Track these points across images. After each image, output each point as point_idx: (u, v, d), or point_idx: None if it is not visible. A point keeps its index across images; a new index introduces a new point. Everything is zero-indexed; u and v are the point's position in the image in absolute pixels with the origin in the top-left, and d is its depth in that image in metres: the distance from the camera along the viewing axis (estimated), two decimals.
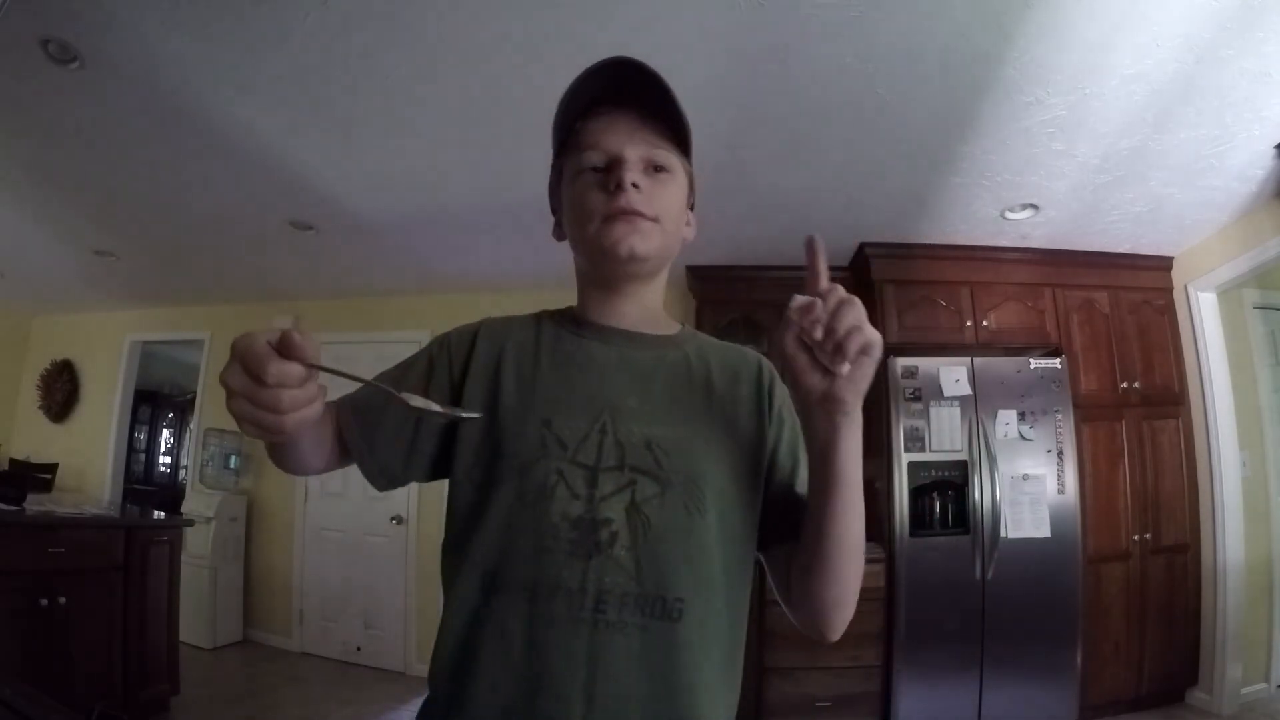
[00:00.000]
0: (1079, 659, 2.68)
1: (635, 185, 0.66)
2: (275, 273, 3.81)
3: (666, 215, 0.69)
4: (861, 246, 3.04)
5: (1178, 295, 3.15)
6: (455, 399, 0.69)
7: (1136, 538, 2.93)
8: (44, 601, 2.33)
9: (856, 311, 0.51)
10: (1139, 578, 2.91)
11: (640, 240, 0.67)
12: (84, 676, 2.45)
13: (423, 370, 0.72)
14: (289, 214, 2.94)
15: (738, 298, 3.40)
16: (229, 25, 1.69)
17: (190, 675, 3.05)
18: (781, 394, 0.72)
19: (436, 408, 0.56)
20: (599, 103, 0.69)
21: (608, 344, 0.71)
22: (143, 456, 6.70)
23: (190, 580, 3.41)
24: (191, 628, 3.51)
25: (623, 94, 0.68)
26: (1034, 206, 2.66)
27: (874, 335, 0.51)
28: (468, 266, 3.57)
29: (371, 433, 0.70)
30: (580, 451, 0.63)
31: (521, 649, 0.59)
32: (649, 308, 0.75)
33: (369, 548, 3.89)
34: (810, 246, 0.55)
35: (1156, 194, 2.55)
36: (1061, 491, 2.75)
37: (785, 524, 0.67)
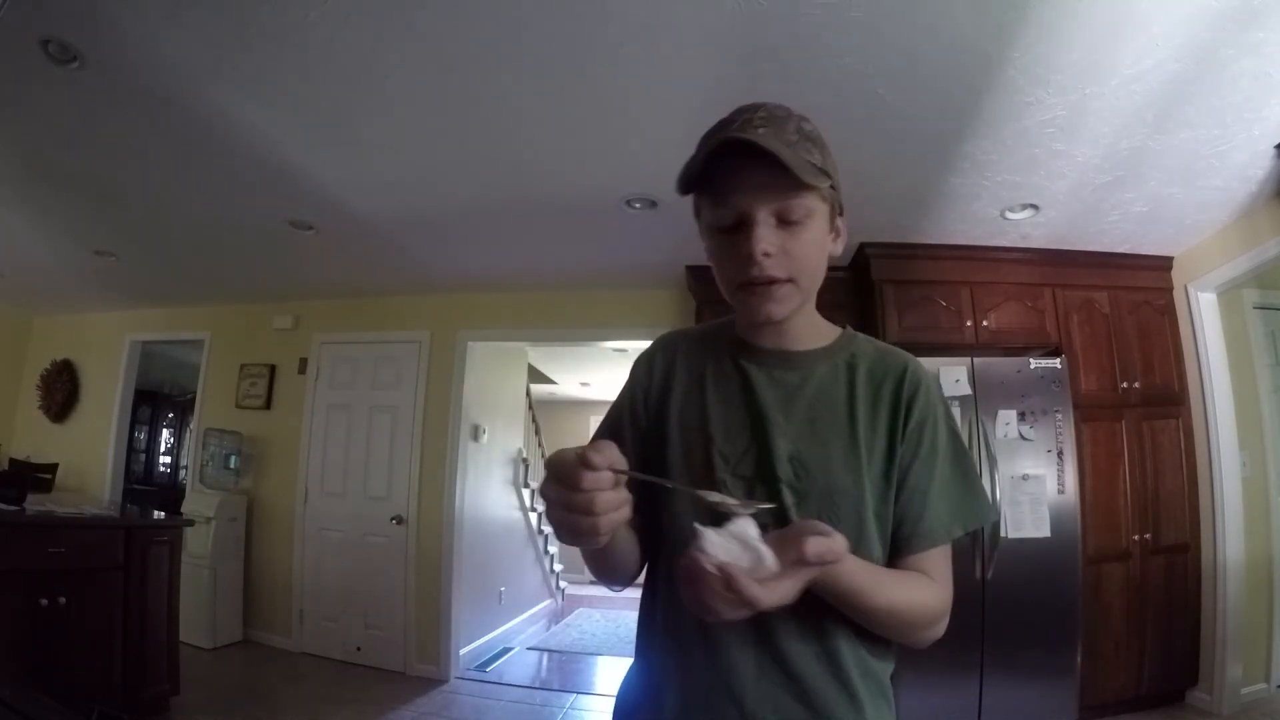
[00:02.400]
0: (1079, 659, 2.68)
1: (767, 253, 0.67)
2: (275, 273, 3.82)
3: (803, 269, 0.70)
4: (861, 246, 3.04)
5: (1178, 295, 3.15)
6: (651, 425, 0.77)
7: (1136, 538, 2.93)
8: (44, 601, 2.33)
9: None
10: (1139, 578, 2.91)
11: (777, 306, 0.70)
12: (84, 676, 2.45)
13: (628, 416, 0.80)
14: (289, 214, 2.94)
15: None
16: (229, 25, 1.69)
17: (190, 675, 3.05)
18: (921, 410, 0.73)
19: (733, 501, 0.60)
20: (728, 153, 0.66)
21: (760, 365, 0.76)
22: (143, 456, 6.69)
23: (190, 580, 3.41)
24: (191, 628, 3.50)
25: (750, 149, 0.65)
26: (1034, 206, 2.67)
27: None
28: (468, 266, 3.57)
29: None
30: (740, 464, 0.71)
31: (701, 635, 0.68)
32: (801, 327, 0.77)
33: (369, 548, 3.89)
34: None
35: (1156, 194, 2.55)
36: (1061, 491, 2.75)
37: (895, 543, 0.72)
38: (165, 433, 7.06)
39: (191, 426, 4.72)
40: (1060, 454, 2.77)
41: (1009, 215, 2.74)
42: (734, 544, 0.55)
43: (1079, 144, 2.19)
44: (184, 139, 2.27)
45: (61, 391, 4.78)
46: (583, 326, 3.92)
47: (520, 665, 4.16)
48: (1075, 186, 2.49)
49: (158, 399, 6.77)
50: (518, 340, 4.36)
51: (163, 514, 3.43)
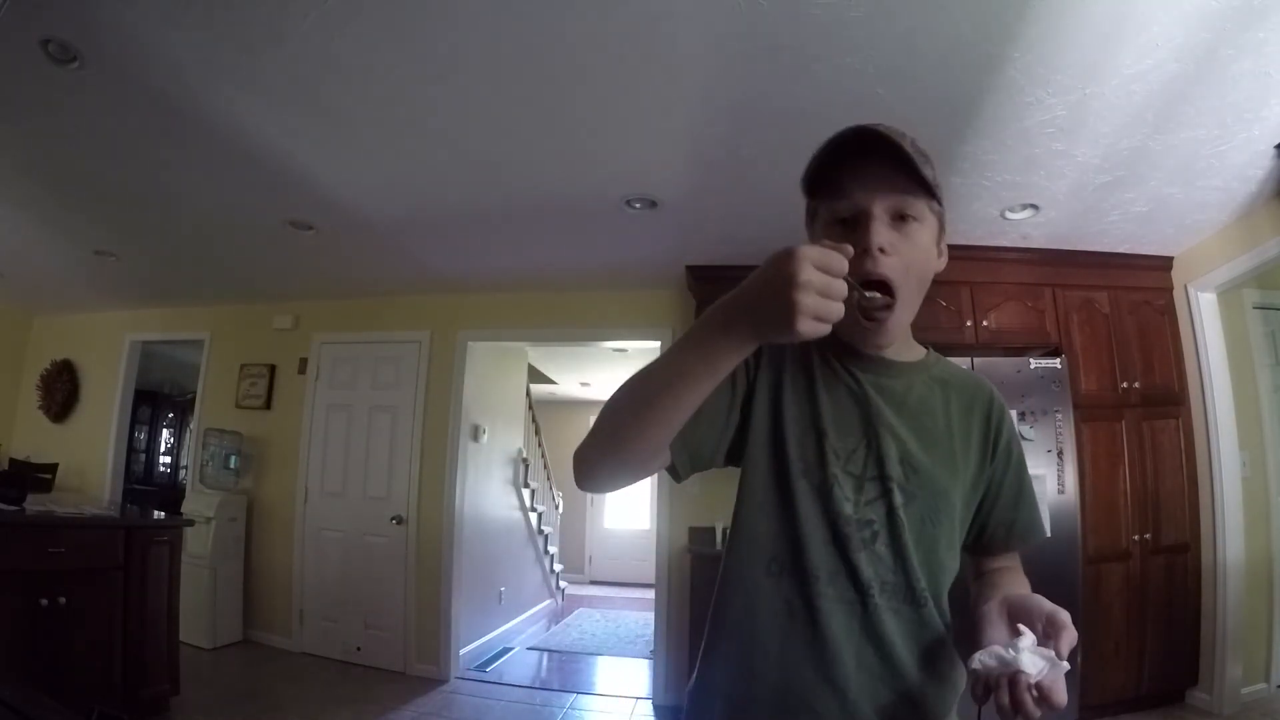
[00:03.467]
0: (1079, 659, 2.68)
1: (882, 249, 0.70)
2: (275, 273, 3.82)
3: (911, 271, 0.72)
4: None
5: (1178, 295, 3.15)
6: (747, 402, 0.78)
7: (1136, 538, 2.93)
8: (44, 601, 2.33)
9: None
10: (1139, 578, 2.91)
11: (882, 336, 0.75)
12: (84, 676, 2.45)
13: (728, 386, 0.78)
14: (289, 214, 2.94)
15: None
16: (229, 25, 1.69)
17: (190, 675, 3.05)
18: (1008, 432, 0.81)
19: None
20: (847, 152, 0.70)
21: (866, 371, 0.79)
22: (143, 456, 6.68)
23: (190, 580, 3.40)
24: (191, 628, 3.50)
25: (872, 146, 0.70)
26: (1034, 206, 2.66)
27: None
28: (468, 266, 3.57)
29: (690, 425, 0.71)
30: (850, 462, 0.74)
31: (804, 623, 0.71)
32: (901, 339, 0.81)
33: (369, 548, 3.89)
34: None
35: (1156, 194, 2.55)
36: (1061, 491, 2.75)
37: (993, 543, 0.81)
38: (165, 433, 7.05)
39: (191, 426, 4.72)
40: (1060, 454, 2.77)
41: (1009, 215, 2.74)
42: (1027, 655, 0.56)
43: (1079, 144, 2.19)
44: (184, 139, 2.27)
45: (61, 391, 4.78)
46: (583, 326, 3.92)
47: (520, 665, 4.16)
48: (1075, 186, 2.49)
49: (158, 399, 6.76)
50: (518, 340, 4.36)
51: (163, 514, 3.43)
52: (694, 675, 0.80)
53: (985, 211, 2.72)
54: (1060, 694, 0.55)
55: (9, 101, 2.04)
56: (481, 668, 3.94)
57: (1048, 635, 0.59)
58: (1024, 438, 2.76)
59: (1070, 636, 0.58)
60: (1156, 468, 3.01)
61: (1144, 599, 2.90)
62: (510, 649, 4.44)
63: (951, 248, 2.86)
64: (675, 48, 1.75)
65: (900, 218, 0.71)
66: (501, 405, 4.74)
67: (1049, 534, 0.84)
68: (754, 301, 0.58)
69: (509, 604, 4.85)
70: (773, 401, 0.78)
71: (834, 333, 0.73)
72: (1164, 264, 3.16)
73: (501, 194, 2.66)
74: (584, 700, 3.51)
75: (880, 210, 0.70)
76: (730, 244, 3.06)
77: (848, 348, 0.79)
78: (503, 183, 2.56)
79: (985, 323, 3.02)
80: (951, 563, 0.77)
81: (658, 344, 3.80)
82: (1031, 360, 2.88)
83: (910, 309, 0.75)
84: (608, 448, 0.70)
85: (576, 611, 5.97)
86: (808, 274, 0.55)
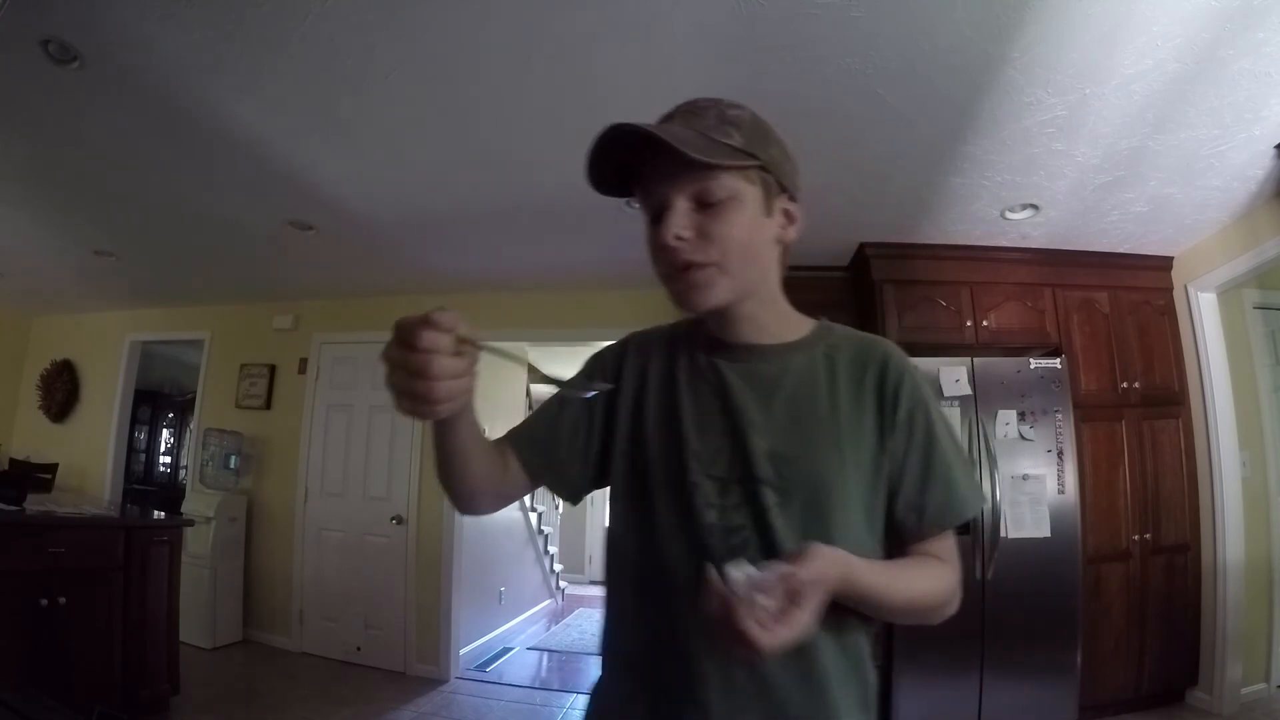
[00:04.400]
0: (1079, 659, 2.68)
1: (679, 238, 0.66)
2: (275, 273, 3.82)
3: (729, 251, 0.67)
4: (861, 246, 3.04)
5: (1178, 295, 3.15)
6: (608, 421, 0.76)
7: (1136, 538, 2.93)
8: (44, 601, 2.33)
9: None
10: (1139, 578, 2.91)
11: (703, 293, 0.68)
12: (84, 676, 2.45)
13: (584, 409, 0.78)
14: (289, 214, 2.94)
15: None
16: (229, 25, 1.69)
17: (190, 675, 3.05)
18: (909, 399, 0.71)
19: (585, 392, 0.66)
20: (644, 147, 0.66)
21: (734, 360, 0.74)
22: (143, 456, 6.69)
23: (190, 580, 3.41)
24: (191, 628, 3.50)
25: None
26: (1034, 206, 2.66)
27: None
28: (468, 266, 3.57)
29: (551, 453, 0.76)
30: (713, 465, 0.69)
31: (668, 640, 0.67)
32: (767, 319, 0.75)
33: (369, 548, 3.89)
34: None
35: (1156, 194, 2.55)
36: (1061, 491, 2.75)
37: (897, 533, 0.72)
38: (165, 433, 7.06)
39: (191, 426, 4.72)
40: (1060, 454, 2.77)
41: (1009, 215, 2.74)
42: (752, 578, 0.54)
43: (1079, 144, 2.19)
44: (184, 139, 2.27)
45: (61, 391, 4.78)
46: (583, 326, 3.92)
47: (520, 665, 4.16)
48: (1075, 186, 2.49)
49: (158, 399, 6.76)
50: (518, 340, 4.36)
51: (163, 514, 3.43)
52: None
53: (985, 211, 2.72)
54: (740, 623, 0.51)
55: (9, 101, 2.04)
56: (481, 668, 3.94)
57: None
58: (1024, 437, 2.76)
59: (775, 591, 0.53)
60: (1156, 468, 3.01)
61: (1144, 599, 2.90)
62: (510, 649, 4.44)
63: (951, 248, 2.86)
64: (675, 47, 1.75)
65: (705, 205, 0.66)
66: (501, 405, 4.74)
67: (986, 503, 0.73)
68: None
69: (509, 604, 4.85)
70: (634, 414, 0.75)
71: (703, 326, 0.76)
72: (1164, 264, 3.16)
73: (502, 194, 2.66)
74: (584, 700, 3.51)
75: (681, 200, 0.66)
76: None
77: (717, 341, 0.75)
78: (503, 182, 2.56)
79: (985, 323, 3.02)
80: (869, 555, 0.69)
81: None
82: (1031, 360, 2.88)
83: (742, 281, 0.69)
84: (448, 489, 0.73)
85: (577, 611, 5.96)
86: (389, 352, 0.53)
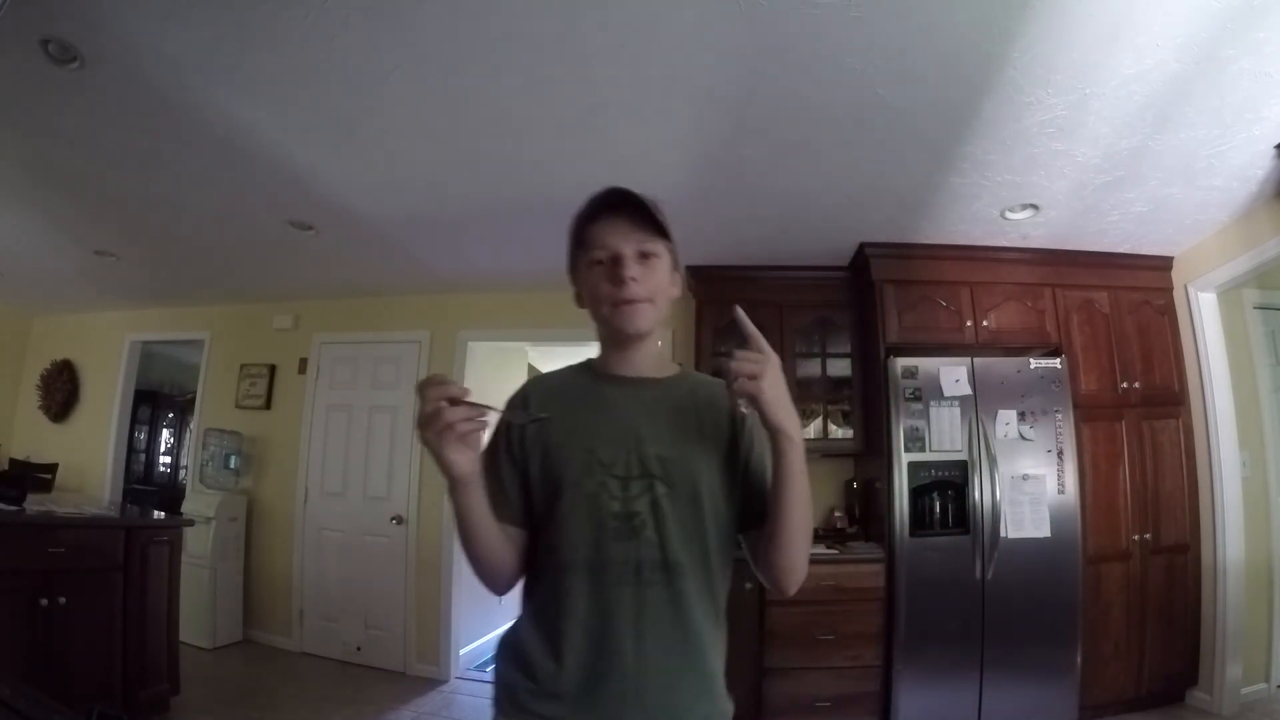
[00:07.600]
0: (1079, 659, 2.68)
1: (634, 278, 0.89)
2: (275, 273, 3.82)
3: (658, 291, 0.94)
4: (861, 246, 3.03)
5: (1178, 295, 3.15)
6: (522, 452, 0.94)
7: (1136, 538, 2.93)
8: (44, 601, 2.34)
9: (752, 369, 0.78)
10: (1139, 578, 2.91)
11: (641, 319, 0.92)
12: (84, 676, 2.46)
13: (503, 436, 0.96)
14: (289, 214, 2.94)
15: (737, 297, 3.39)
16: (229, 25, 1.69)
17: (190, 675, 3.05)
18: (752, 416, 0.91)
19: (524, 418, 0.93)
20: (601, 210, 0.92)
21: (625, 388, 0.96)
22: (143, 456, 6.68)
23: (190, 580, 3.40)
24: (191, 628, 3.50)
25: (619, 205, 0.91)
26: (1034, 206, 2.66)
27: (752, 387, 0.78)
28: (468, 266, 3.57)
29: (516, 502, 0.93)
30: (615, 467, 0.89)
31: (588, 606, 0.85)
32: (653, 356, 1.00)
33: (369, 548, 3.89)
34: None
35: (1156, 194, 2.55)
36: (1061, 491, 2.75)
37: (756, 512, 0.91)
38: (165, 433, 7.05)
39: (191, 426, 4.72)
40: (1060, 454, 2.78)
41: (1009, 215, 2.74)
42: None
43: (1079, 144, 2.19)
44: (184, 139, 2.27)
45: (61, 391, 4.78)
46: (583, 326, 3.82)
47: None
48: (1075, 186, 2.49)
49: (158, 399, 6.76)
50: (518, 340, 4.36)
51: (163, 514, 3.43)
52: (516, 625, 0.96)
53: (985, 211, 2.72)
54: (739, 367, 0.78)
55: (9, 101, 2.04)
56: (482, 668, 3.94)
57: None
58: (1024, 437, 2.76)
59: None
60: (1156, 468, 3.01)
61: (1144, 599, 2.90)
62: None
63: (951, 248, 2.87)
64: (675, 47, 1.75)
65: (644, 256, 0.91)
66: (501, 405, 4.74)
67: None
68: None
69: (509, 604, 4.84)
70: (542, 443, 0.93)
71: (595, 366, 1.02)
72: (1164, 264, 3.16)
73: (502, 194, 2.66)
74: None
75: (630, 251, 0.90)
76: (730, 244, 3.05)
77: (612, 375, 0.98)
78: (503, 182, 2.56)
79: (985, 323, 3.02)
80: (726, 534, 0.92)
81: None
82: (1031, 360, 2.88)
83: (659, 316, 0.95)
84: (479, 572, 0.91)
85: None
86: (427, 408, 0.75)
